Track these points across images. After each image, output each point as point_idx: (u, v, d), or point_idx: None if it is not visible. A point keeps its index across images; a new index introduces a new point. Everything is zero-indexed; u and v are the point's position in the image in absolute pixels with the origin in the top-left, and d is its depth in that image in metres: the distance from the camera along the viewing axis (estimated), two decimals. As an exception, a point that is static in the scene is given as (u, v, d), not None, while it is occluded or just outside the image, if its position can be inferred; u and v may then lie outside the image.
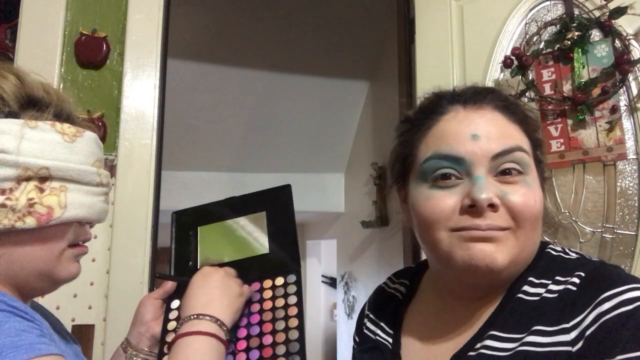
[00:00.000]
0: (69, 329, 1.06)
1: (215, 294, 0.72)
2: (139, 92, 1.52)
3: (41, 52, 1.46)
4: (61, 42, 1.49)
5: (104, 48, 1.51)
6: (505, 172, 0.60)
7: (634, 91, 1.25)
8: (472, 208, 0.59)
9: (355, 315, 3.96)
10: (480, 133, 0.61)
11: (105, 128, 1.47)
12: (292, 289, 0.77)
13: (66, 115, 0.67)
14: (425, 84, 1.60)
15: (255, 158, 3.62)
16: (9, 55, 1.56)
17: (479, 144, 0.60)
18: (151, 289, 1.45)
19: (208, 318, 0.68)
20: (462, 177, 0.61)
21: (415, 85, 1.65)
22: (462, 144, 0.61)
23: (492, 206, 0.59)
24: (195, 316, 0.68)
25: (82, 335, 1.36)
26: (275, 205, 0.84)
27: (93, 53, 1.50)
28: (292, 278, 0.78)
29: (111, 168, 1.45)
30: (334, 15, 2.87)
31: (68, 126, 0.65)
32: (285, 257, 0.80)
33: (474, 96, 0.65)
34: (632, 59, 1.24)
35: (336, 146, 3.77)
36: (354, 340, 0.83)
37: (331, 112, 3.51)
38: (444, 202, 0.61)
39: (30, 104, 0.64)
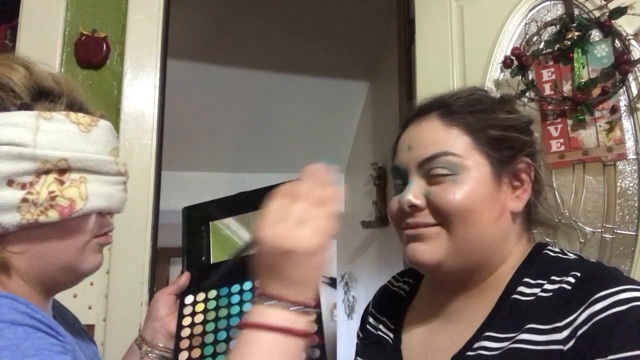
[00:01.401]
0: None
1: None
2: (139, 92, 1.52)
3: (41, 52, 1.46)
4: (61, 42, 1.49)
5: (104, 48, 1.51)
6: (437, 175, 0.66)
7: (634, 91, 1.25)
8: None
9: (356, 316, 3.97)
10: (413, 143, 0.69)
11: (105, 128, 1.47)
12: None
13: (79, 105, 0.66)
14: (425, 84, 1.60)
15: (255, 158, 3.62)
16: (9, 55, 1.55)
17: (410, 153, 0.68)
18: (151, 289, 1.46)
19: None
20: (406, 183, 0.69)
21: (415, 85, 1.65)
22: (401, 155, 0.70)
23: (415, 207, 0.66)
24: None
25: (82, 335, 1.36)
26: None
27: (93, 53, 1.50)
28: None
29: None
30: (334, 15, 2.87)
31: (82, 115, 0.63)
32: None
33: (420, 109, 0.72)
34: (632, 59, 1.23)
35: (336, 146, 3.77)
36: (358, 336, 0.85)
37: (331, 112, 3.51)
38: (395, 203, 0.70)
39: (42, 94, 0.62)
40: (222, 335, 0.73)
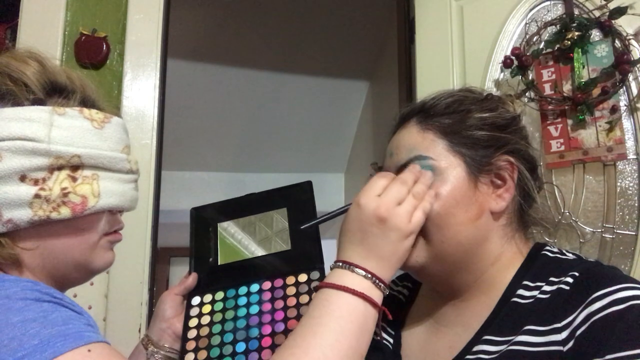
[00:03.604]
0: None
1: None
2: (139, 92, 1.52)
3: (41, 52, 1.46)
4: (61, 42, 1.50)
5: (104, 48, 1.51)
6: None
7: (634, 91, 1.25)
8: None
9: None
10: (393, 150, 0.70)
11: (105, 128, 1.47)
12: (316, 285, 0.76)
13: (91, 101, 0.65)
14: (425, 84, 1.60)
15: (255, 158, 3.62)
16: (9, 55, 1.56)
17: (391, 160, 0.70)
18: (151, 289, 1.46)
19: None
20: None
21: (415, 85, 1.65)
22: (385, 162, 0.72)
23: None
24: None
25: (82, 335, 1.36)
26: (296, 202, 0.83)
27: (93, 53, 1.50)
28: (315, 275, 0.76)
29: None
30: (334, 15, 2.87)
31: (96, 112, 0.63)
32: (307, 253, 0.78)
33: (402, 116, 0.73)
34: (632, 59, 1.24)
35: (336, 146, 3.76)
36: None
37: (331, 112, 3.51)
38: None
39: (55, 90, 0.62)
40: (229, 337, 0.72)
